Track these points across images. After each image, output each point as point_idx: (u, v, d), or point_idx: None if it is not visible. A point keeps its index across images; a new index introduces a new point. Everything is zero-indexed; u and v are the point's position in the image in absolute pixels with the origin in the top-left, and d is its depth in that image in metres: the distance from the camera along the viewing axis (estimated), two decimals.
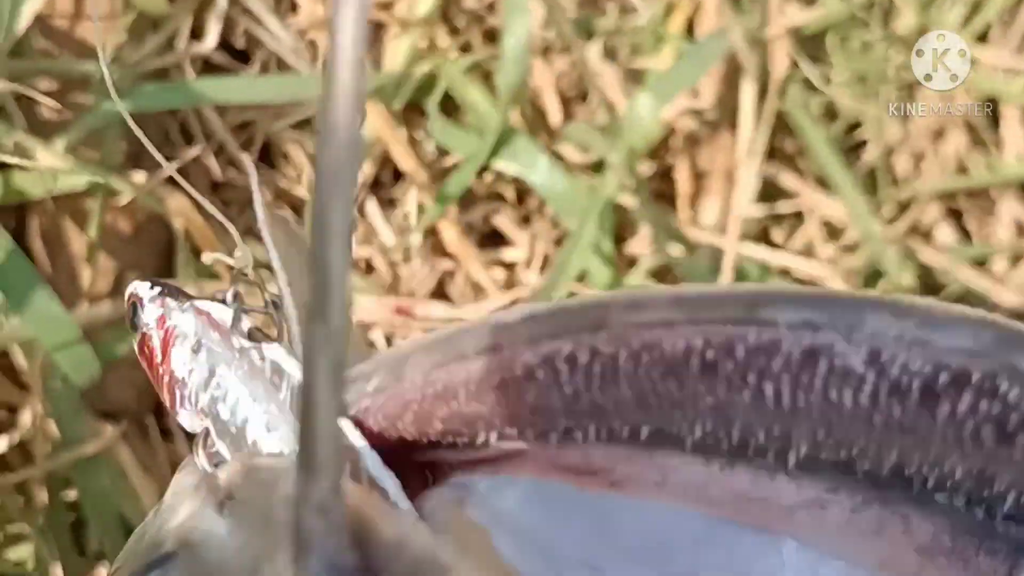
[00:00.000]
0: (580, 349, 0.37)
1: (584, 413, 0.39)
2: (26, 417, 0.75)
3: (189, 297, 0.49)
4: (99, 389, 0.75)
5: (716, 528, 0.39)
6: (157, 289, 0.49)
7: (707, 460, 0.38)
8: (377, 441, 0.45)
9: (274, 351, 0.46)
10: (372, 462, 0.43)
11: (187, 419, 0.49)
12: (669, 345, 0.35)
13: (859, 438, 0.34)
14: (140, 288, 0.49)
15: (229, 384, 0.47)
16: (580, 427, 0.40)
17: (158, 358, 0.49)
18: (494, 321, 0.39)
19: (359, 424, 0.45)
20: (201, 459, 0.49)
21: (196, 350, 0.48)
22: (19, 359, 0.75)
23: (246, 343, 0.46)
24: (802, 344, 0.33)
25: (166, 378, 0.49)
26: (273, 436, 0.46)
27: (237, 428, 0.47)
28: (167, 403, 0.50)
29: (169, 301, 0.49)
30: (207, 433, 0.48)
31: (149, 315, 0.49)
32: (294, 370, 0.46)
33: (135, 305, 0.49)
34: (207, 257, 0.73)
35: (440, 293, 0.78)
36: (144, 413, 0.80)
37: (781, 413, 0.35)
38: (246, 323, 0.47)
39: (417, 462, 0.48)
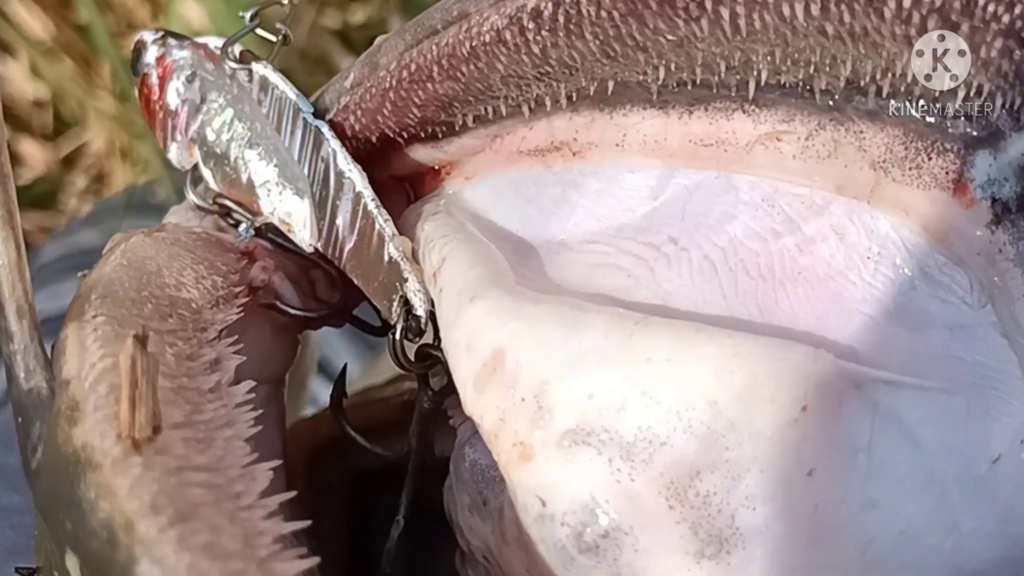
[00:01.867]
0: (544, 1, 0.37)
1: (553, 75, 0.40)
2: None
3: (188, 38, 0.50)
4: None
5: (674, 178, 0.41)
6: (160, 33, 0.51)
7: (666, 112, 0.40)
8: (356, 147, 0.46)
9: (261, 68, 0.48)
10: (342, 159, 0.45)
11: (176, 153, 0.51)
12: None
13: (814, 53, 0.35)
14: (145, 34, 0.51)
15: (218, 106, 0.48)
16: (550, 92, 0.40)
17: (155, 95, 0.50)
18: None
19: (338, 127, 0.46)
20: (191, 195, 0.50)
21: (190, 80, 0.49)
22: None
23: (235, 65, 0.48)
24: None
25: (160, 114, 0.50)
26: (254, 151, 0.48)
27: (222, 149, 0.49)
28: (160, 143, 0.51)
29: (170, 40, 0.50)
30: (196, 168, 0.50)
31: (150, 55, 0.51)
32: (279, 82, 0.47)
33: (139, 50, 0.51)
34: None
35: None
36: None
37: (739, 40, 0.36)
38: (238, 47, 0.48)
39: (397, 179, 0.49)
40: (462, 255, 0.41)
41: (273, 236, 0.49)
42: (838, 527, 0.35)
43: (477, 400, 0.38)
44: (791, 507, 0.35)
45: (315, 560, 0.31)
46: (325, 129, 0.45)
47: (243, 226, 0.47)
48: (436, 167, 0.48)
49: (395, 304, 0.43)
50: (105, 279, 0.40)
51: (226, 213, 0.49)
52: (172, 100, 0.50)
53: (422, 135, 0.46)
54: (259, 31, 0.49)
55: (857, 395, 0.36)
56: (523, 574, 0.39)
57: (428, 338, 0.44)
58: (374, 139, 0.46)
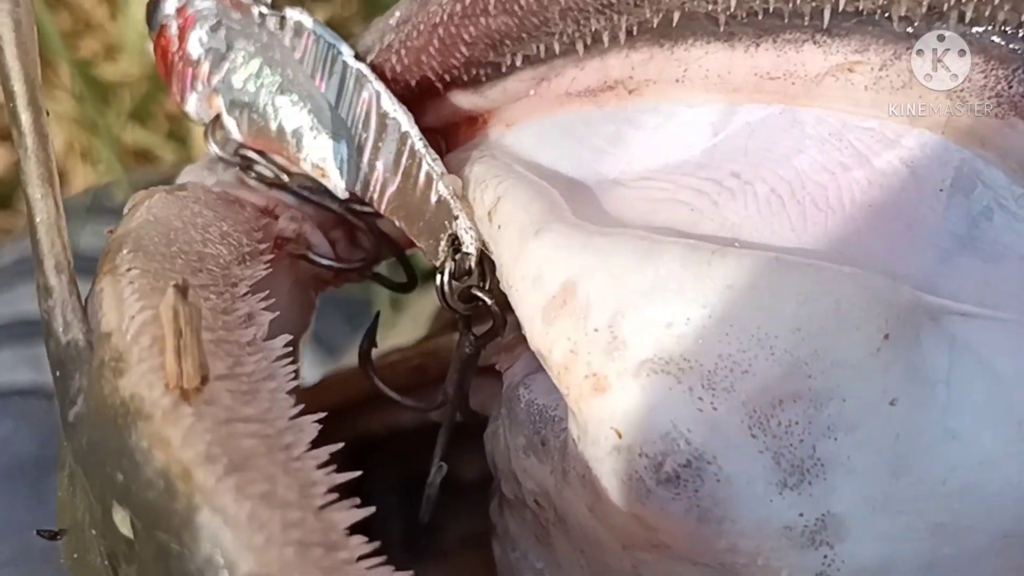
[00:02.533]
0: None
1: (615, 7, 0.39)
2: None
3: None
4: None
5: (736, 113, 0.40)
6: None
7: (732, 44, 0.39)
8: (394, 92, 0.45)
9: (296, 13, 0.46)
10: (387, 100, 0.44)
11: (195, 105, 0.49)
12: None
13: None
14: None
15: (246, 54, 0.47)
16: (610, 26, 0.40)
17: (174, 46, 0.49)
18: None
19: (378, 70, 0.45)
20: (212, 146, 0.49)
21: (215, 28, 0.48)
22: None
23: (266, 10, 0.47)
24: None
25: (179, 65, 0.49)
26: (286, 97, 0.46)
27: (250, 97, 0.47)
28: (176, 96, 0.50)
29: None
30: (217, 118, 0.49)
31: (169, 7, 0.49)
32: (315, 27, 0.46)
33: (156, 3, 0.49)
34: None
35: None
36: None
37: None
38: None
39: (430, 131, 0.48)
40: (519, 192, 0.40)
41: (298, 190, 0.48)
42: (918, 458, 0.35)
43: (546, 333, 0.37)
44: (873, 437, 0.34)
45: (371, 509, 0.31)
46: (367, 71, 0.44)
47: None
48: (473, 115, 0.47)
49: (443, 243, 0.42)
50: (133, 234, 0.39)
51: (248, 166, 0.48)
52: (194, 50, 0.48)
53: (464, 78, 0.44)
54: None
55: (934, 327, 0.35)
56: (584, 514, 0.38)
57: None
58: (414, 83, 0.45)
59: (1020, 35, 0.34)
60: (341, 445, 0.33)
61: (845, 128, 0.38)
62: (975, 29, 0.35)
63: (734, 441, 0.34)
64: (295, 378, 0.36)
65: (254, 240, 0.43)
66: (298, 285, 0.49)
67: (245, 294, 0.39)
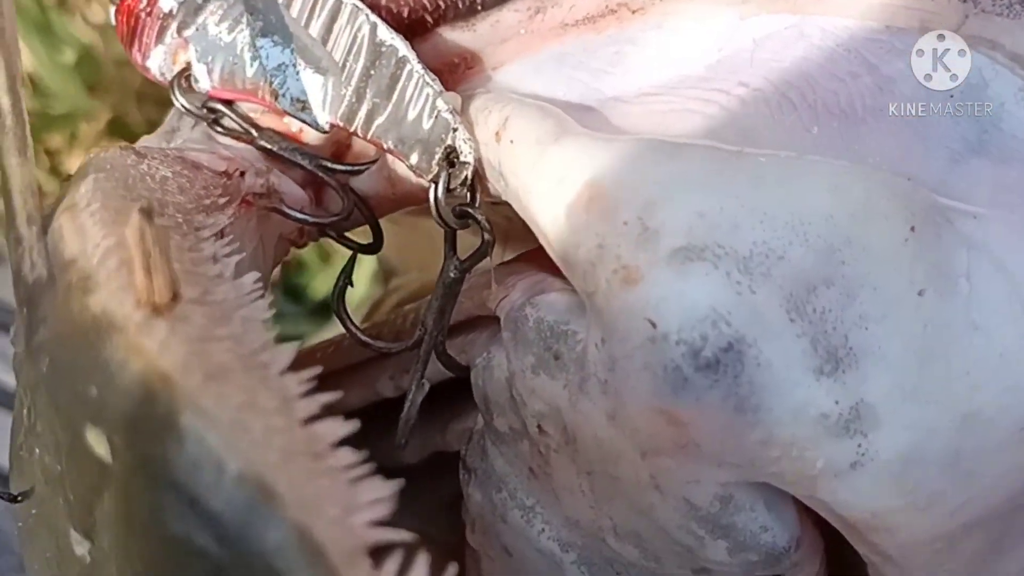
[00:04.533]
0: None
1: None
2: None
3: None
4: None
5: (741, 29, 0.40)
6: None
7: None
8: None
9: None
10: (383, 29, 0.43)
11: (160, 59, 0.47)
12: None
13: None
14: None
15: (226, 4, 0.45)
16: None
17: (142, 3, 0.47)
18: None
19: (370, 2, 0.44)
20: (179, 98, 0.47)
21: None
22: None
23: None
24: None
25: (147, 20, 0.47)
26: (267, 39, 0.45)
27: (227, 40, 0.46)
28: (137, 56, 0.48)
29: None
30: (182, 72, 0.47)
31: None
32: None
33: None
34: None
35: None
36: None
37: None
38: None
39: None
40: (527, 110, 0.40)
41: (266, 143, 0.46)
42: (945, 348, 0.35)
43: (571, 232, 0.36)
44: (902, 326, 0.34)
45: (356, 424, 0.29)
46: (362, 5, 0.43)
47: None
48: (456, 61, 0.46)
49: (437, 156, 0.41)
50: (91, 177, 0.37)
51: (215, 120, 0.46)
52: (166, 3, 0.46)
53: (459, 6, 0.44)
54: None
55: (949, 227, 0.36)
56: (601, 425, 0.37)
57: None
58: (405, 13, 0.44)
59: None
60: (320, 369, 0.31)
61: (852, 39, 0.39)
62: None
63: (773, 325, 0.33)
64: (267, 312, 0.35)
65: (214, 195, 0.42)
66: (264, 243, 0.48)
67: (209, 237, 0.38)
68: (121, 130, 1.07)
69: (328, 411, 0.32)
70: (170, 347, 0.29)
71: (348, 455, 0.28)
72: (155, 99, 1.03)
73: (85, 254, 0.33)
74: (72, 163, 1.09)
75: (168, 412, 0.28)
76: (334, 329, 0.88)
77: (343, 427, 0.29)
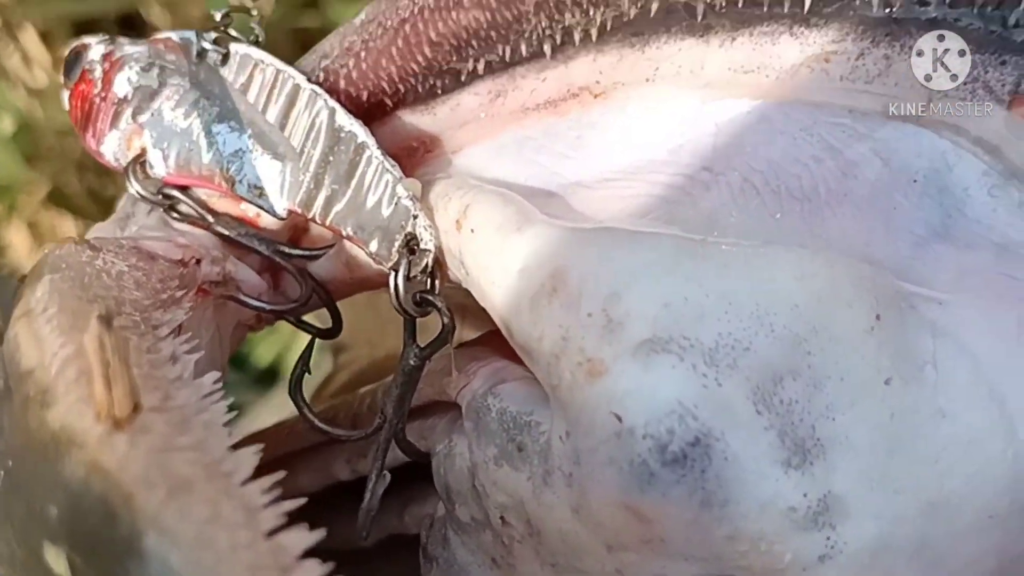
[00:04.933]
0: None
1: (592, 1, 0.38)
2: None
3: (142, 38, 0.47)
4: None
5: (703, 114, 0.40)
6: (107, 36, 0.47)
7: (707, 39, 0.39)
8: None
9: (242, 47, 0.45)
10: (342, 115, 0.42)
11: (114, 144, 0.46)
12: None
13: None
14: (86, 38, 0.47)
15: (182, 89, 0.45)
16: (583, 22, 0.39)
17: (97, 88, 0.46)
18: None
19: (332, 77, 0.43)
20: (134, 185, 0.46)
21: (147, 68, 0.46)
22: None
23: (208, 45, 0.45)
24: None
25: (101, 105, 0.46)
26: (223, 124, 0.45)
27: (183, 126, 0.45)
28: (91, 141, 0.47)
29: (120, 39, 0.47)
30: (138, 158, 0.46)
31: (95, 53, 0.47)
32: (263, 56, 0.44)
33: (79, 53, 0.47)
34: None
35: None
36: None
37: None
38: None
39: None
40: (488, 197, 0.39)
41: (222, 230, 0.45)
42: (913, 436, 0.34)
43: (534, 323, 0.35)
44: (870, 415, 0.34)
45: (322, 532, 0.28)
46: (320, 91, 0.43)
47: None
48: (415, 145, 0.46)
49: (397, 244, 0.41)
50: (45, 279, 0.37)
51: (171, 206, 0.46)
52: (121, 89, 0.46)
53: (420, 89, 0.43)
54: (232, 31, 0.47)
55: (913, 313, 0.36)
56: (566, 518, 0.37)
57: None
58: (365, 96, 0.44)
59: (998, 17, 0.36)
60: (284, 474, 0.31)
61: (816, 124, 0.39)
62: (957, 11, 0.36)
63: (740, 417, 0.33)
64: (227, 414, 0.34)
65: (170, 288, 0.41)
66: (221, 331, 0.47)
67: (168, 335, 0.37)
68: (61, 200, 1.06)
69: (283, 495, 0.32)
70: (132, 461, 0.29)
71: (315, 568, 0.27)
72: (96, 169, 1.02)
73: (43, 365, 0.32)
74: (10, 234, 1.08)
75: (130, 533, 0.28)
76: (277, 396, 0.86)
77: (309, 537, 0.28)
